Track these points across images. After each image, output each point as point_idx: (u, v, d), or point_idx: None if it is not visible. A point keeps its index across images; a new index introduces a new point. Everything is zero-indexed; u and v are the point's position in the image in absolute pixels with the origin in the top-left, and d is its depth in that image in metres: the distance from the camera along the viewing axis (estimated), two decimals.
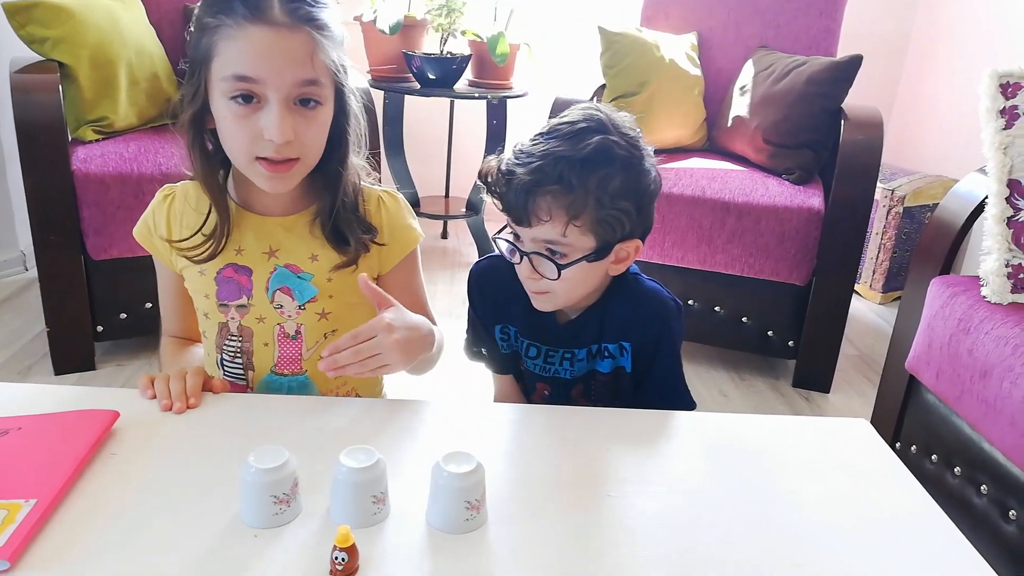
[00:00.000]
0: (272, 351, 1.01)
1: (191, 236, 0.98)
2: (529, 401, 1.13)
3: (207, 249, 0.97)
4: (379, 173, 1.07)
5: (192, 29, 0.90)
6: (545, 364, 1.08)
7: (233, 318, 1.00)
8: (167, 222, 1.01)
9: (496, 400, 1.15)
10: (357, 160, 1.00)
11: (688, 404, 1.07)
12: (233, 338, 1.01)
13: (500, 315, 1.09)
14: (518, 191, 0.93)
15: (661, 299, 1.04)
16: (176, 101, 0.93)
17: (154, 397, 0.90)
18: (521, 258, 0.98)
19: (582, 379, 1.08)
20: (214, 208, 0.97)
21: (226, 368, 1.03)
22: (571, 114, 0.97)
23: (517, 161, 0.95)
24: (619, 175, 0.93)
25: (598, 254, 0.96)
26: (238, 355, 1.02)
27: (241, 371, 1.02)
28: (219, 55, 0.87)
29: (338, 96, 0.94)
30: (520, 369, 1.12)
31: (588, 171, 0.92)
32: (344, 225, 0.98)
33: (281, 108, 0.86)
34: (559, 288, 0.98)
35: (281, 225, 0.99)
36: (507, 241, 1.00)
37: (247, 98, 0.87)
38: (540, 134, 0.97)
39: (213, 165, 0.96)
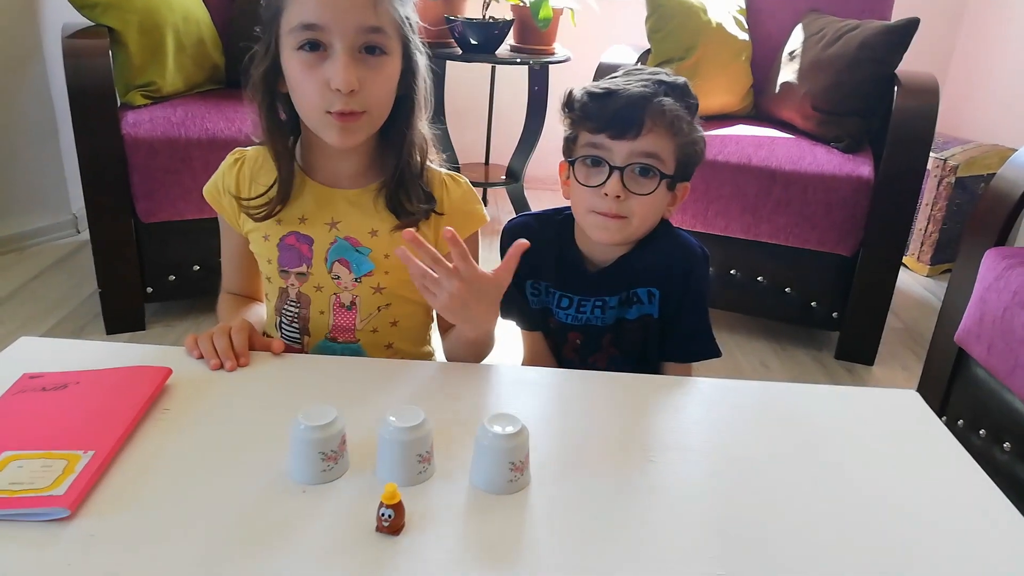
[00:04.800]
0: (327, 319, 1.03)
1: (257, 197, 0.99)
2: (560, 353, 1.14)
3: (266, 209, 0.98)
4: (446, 153, 1.09)
5: None
6: (577, 313, 1.09)
7: (293, 284, 1.02)
8: (236, 185, 1.02)
9: (525, 358, 1.15)
10: (424, 127, 1.01)
11: (714, 351, 1.09)
12: (292, 304, 1.03)
13: (532, 270, 1.10)
14: (629, 100, 0.99)
15: (689, 246, 1.08)
16: (246, 61, 0.94)
17: (201, 357, 0.91)
18: (610, 174, 0.99)
19: (612, 328, 1.09)
20: (277, 169, 0.98)
21: (284, 331, 1.05)
22: (634, 66, 1.05)
23: (612, 86, 1.01)
24: (695, 114, 1.03)
25: (673, 181, 1.02)
26: (295, 320, 1.04)
27: (298, 335, 1.05)
28: (288, 8, 0.89)
29: (405, 53, 0.95)
30: (549, 326, 1.13)
31: (682, 97, 1.01)
32: (406, 191, 0.99)
33: (345, 56, 0.88)
34: (639, 212, 1.01)
35: (345, 198, 1.00)
36: (591, 159, 1.02)
37: (314, 46, 0.88)
38: (617, 76, 1.04)
39: (280, 126, 0.97)
